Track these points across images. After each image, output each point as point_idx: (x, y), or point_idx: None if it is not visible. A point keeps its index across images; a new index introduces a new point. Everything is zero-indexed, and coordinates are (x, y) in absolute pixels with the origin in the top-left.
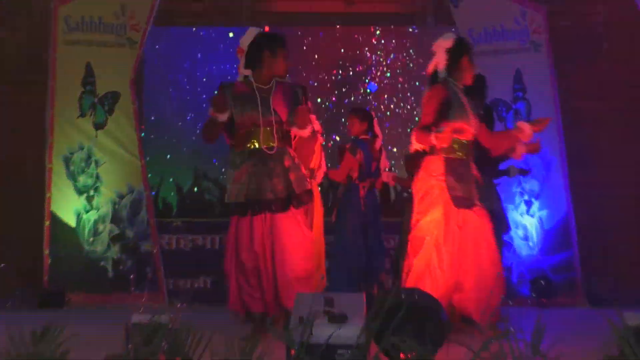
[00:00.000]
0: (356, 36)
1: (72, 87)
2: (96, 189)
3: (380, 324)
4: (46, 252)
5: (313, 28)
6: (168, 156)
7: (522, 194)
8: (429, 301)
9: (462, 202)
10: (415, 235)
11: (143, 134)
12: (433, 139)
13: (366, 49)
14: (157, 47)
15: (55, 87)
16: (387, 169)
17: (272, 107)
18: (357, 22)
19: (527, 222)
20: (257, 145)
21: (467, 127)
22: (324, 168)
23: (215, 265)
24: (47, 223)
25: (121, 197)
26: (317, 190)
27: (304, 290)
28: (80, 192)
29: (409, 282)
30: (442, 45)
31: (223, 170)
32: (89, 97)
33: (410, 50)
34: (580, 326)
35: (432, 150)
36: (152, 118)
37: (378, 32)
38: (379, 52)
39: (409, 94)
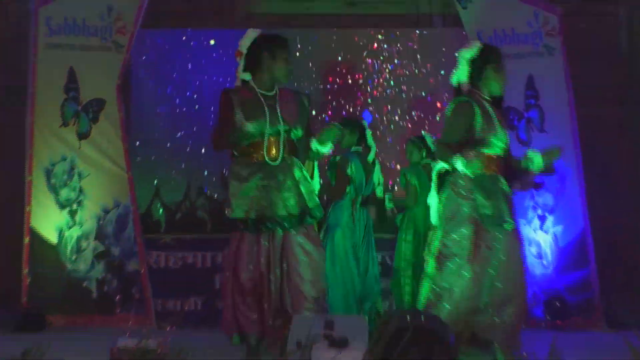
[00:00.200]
0: (356, 39)
1: (54, 94)
2: (79, 203)
3: (385, 348)
4: (25, 271)
5: (308, 31)
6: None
7: (535, 209)
8: (436, 324)
9: (492, 220)
10: (442, 254)
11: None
12: (460, 165)
13: (364, 52)
14: (144, 57)
15: (36, 94)
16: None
17: (280, 116)
18: (358, 25)
19: (541, 238)
20: (265, 157)
21: (495, 142)
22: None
23: (207, 284)
24: (26, 240)
25: (106, 211)
26: None
27: (315, 311)
28: (62, 206)
29: (431, 302)
30: (464, 55)
31: (214, 179)
32: (71, 105)
33: (418, 56)
34: (598, 350)
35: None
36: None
37: (380, 35)
38: (381, 58)
39: (414, 105)
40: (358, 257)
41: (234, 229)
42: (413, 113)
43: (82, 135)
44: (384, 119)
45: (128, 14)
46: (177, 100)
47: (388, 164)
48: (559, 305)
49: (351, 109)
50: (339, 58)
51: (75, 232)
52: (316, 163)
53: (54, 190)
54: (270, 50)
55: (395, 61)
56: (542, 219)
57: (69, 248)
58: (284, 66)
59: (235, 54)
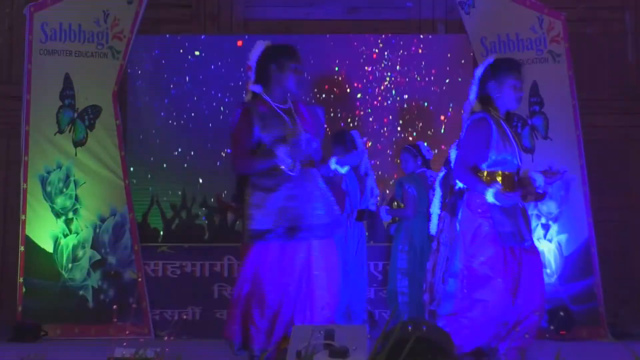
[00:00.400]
0: (355, 44)
1: (49, 101)
2: (75, 212)
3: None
4: (20, 280)
5: (304, 37)
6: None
7: (538, 217)
8: (438, 334)
9: (510, 238)
10: (471, 275)
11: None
12: (491, 197)
13: (362, 59)
14: (140, 64)
15: (31, 101)
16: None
17: (300, 127)
18: (359, 31)
19: (545, 247)
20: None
21: (510, 159)
22: None
23: (205, 294)
24: (21, 248)
25: (102, 220)
26: None
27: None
28: (57, 214)
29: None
30: (477, 71)
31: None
32: (67, 112)
33: (422, 63)
34: None
35: None
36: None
37: (380, 41)
38: (382, 65)
39: (416, 116)
40: (347, 270)
41: (255, 239)
42: (414, 125)
43: (78, 143)
44: (384, 130)
45: (124, 20)
46: (174, 108)
47: (387, 176)
48: (563, 315)
49: (349, 120)
50: (336, 67)
51: (71, 241)
52: None
53: (50, 198)
54: (278, 61)
55: (397, 68)
56: (546, 227)
57: (64, 257)
58: (294, 77)
59: (246, 67)
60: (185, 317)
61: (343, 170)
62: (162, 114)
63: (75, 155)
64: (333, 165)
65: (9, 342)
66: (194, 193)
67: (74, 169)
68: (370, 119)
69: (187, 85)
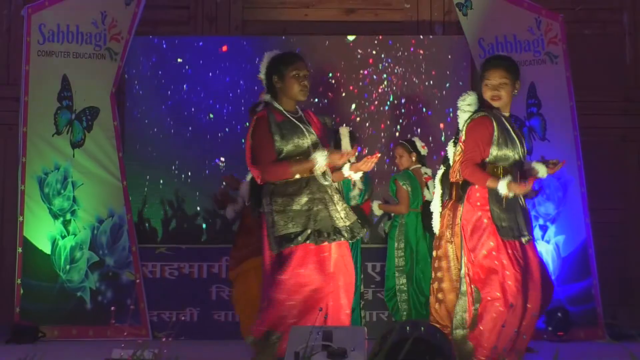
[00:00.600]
0: (351, 45)
1: (47, 102)
2: (73, 213)
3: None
4: (18, 281)
5: (301, 39)
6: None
7: (536, 218)
8: (436, 335)
9: (508, 232)
10: (476, 272)
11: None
12: (504, 188)
13: (360, 61)
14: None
15: (29, 102)
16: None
17: (317, 135)
18: (357, 32)
19: (543, 248)
20: (309, 174)
21: (513, 156)
22: None
23: (203, 295)
24: (19, 250)
25: (100, 221)
26: None
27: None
28: (55, 216)
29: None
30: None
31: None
32: (65, 113)
33: (422, 65)
34: None
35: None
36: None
37: (376, 42)
38: (380, 66)
39: (414, 122)
40: None
41: (286, 245)
42: (412, 130)
43: (76, 144)
44: (382, 135)
45: (122, 21)
46: (174, 110)
47: (385, 183)
48: (561, 316)
49: (344, 124)
50: (332, 71)
51: (68, 242)
52: None
53: (47, 199)
54: (278, 71)
55: (396, 70)
56: (544, 228)
57: (62, 258)
58: (296, 84)
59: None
60: (183, 318)
61: (356, 177)
62: (160, 115)
63: (73, 156)
64: (347, 171)
65: (7, 343)
66: (192, 193)
67: (72, 170)
68: (367, 124)
69: (186, 86)
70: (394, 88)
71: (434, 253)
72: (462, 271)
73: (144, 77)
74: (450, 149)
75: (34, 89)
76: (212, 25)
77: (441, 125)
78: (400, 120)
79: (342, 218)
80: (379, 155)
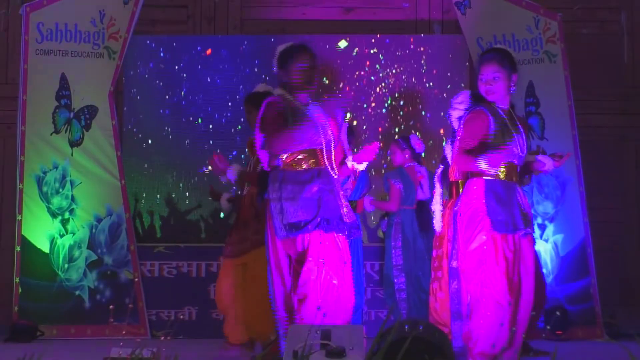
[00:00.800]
0: (350, 43)
1: (45, 101)
2: (71, 212)
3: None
4: (17, 280)
5: (300, 38)
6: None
7: (535, 217)
8: (435, 334)
9: (502, 226)
10: (467, 265)
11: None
12: (484, 165)
13: (358, 60)
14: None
15: (27, 101)
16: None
17: (328, 129)
18: (356, 31)
19: (541, 247)
20: (320, 165)
21: (510, 150)
22: None
23: (201, 294)
24: (17, 248)
25: (99, 220)
26: None
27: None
28: (54, 215)
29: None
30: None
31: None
32: (63, 112)
33: (421, 65)
34: None
35: (473, 173)
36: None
37: (374, 40)
38: (377, 67)
39: (413, 124)
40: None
41: (295, 232)
42: (410, 132)
43: (74, 143)
44: (379, 138)
45: (121, 20)
46: (172, 109)
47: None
48: (560, 315)
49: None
50: (328, 71)
51: (67, 241)
52: None
53: (46, 198)
54: (282, 64)
55: (393, 71)
56: (542, 227)
57: (60, 257)
58: (298, 75)
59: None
60: (181, 317)
61: (361, 167)
62: (159, 113)
63: (72, 155)
64: (350, 162)
65: (5, 342)
66: (191, 192)
67: (70, 169)
68: (364, 127)
69: (184, 85)
70: (391, 86)
71: (434, 253)
72: (455, 263)
73: (141, 76)
74: (448, 149)
75: (33, 87)
76: (211, 24)
77: (441, 131)
78: (400, 120)
79: (344, 214)
80: (378, 144)
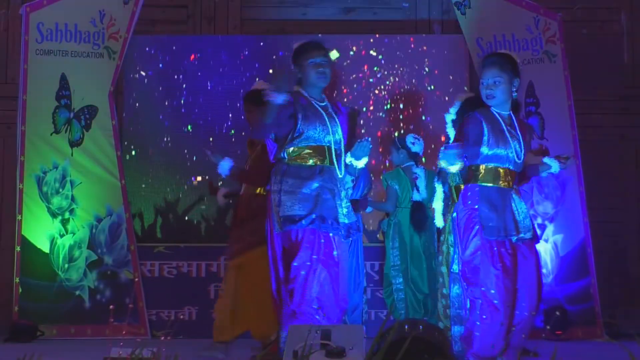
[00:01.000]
0: (349, 44)
1: (45, 101)
2: (71, 212)
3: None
4: (17, 280)
5: (300, 38)
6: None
7: (535, 217)
8: (435, 334)
9: (494, 232)
10: (465, 270)
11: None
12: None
13: (357, 60)
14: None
15: (27, 101)
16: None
17: (339, 126)
18: (356, 31)
19: (541, 247)
20: (325, 163)
21: (506, 156)
22: None
23: (201, 294)
24: (17, 248)
25: (99, 220)
26: None
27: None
28: (54, 215)
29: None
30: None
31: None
32: (63, 112)
33: (420, 65)
34: None
35: (469, 179)
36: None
37: (372, 40)
38: (375, 69)
39: (413, 129)
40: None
41: (288, 225)
42: (411, 128)
43: (74, 143)
44: (378, 144)
45: (121, 20)
46: (172, 108)
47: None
48: (559, 315)
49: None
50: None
51: (67, 241)
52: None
53: (46, 198)
54: (297, 62)
55: (393, 72)
56: (542, 227)
57: (61, 257)
58: (313, 72)
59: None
60: (181, 317)
61: (360, 164)
62: (159, 113)
63: (72, 155)
64: (348, 158)
65: (5, 342)
66: (191, 191)
67: (70, 169)
68: (363, 131)
69: (185, 84)
70: (391, 92)
71: (441, 258)
72: (456, 268)
73: (142, 76)
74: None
75: (33, 87)
76: (211, 24)
77: (442, 138)
78: (399, 127)
79: (342, 214)
80: (369, 138)
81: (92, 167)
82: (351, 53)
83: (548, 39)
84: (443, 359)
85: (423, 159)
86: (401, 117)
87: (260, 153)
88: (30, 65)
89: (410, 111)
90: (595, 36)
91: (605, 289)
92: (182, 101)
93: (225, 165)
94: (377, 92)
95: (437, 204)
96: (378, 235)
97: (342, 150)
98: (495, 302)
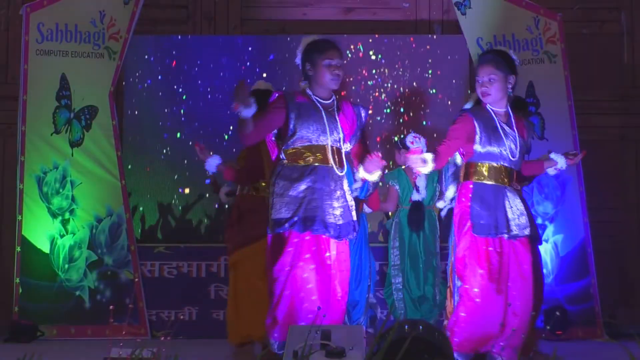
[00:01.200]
0: (348, 44)
1: (46, 101)
2: (72, 212)
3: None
4: (17, 280)
5: (300, 38)
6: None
7: (534, 217)
8: (435, 335)
9: (484, 230)
10: (457, 266)
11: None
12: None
13: (357, 60)
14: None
15: (27, 101)
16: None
17: (339, 125)
18: (356, 31)
19: (541, 248)
20: (320, 162)
21: (500, 153)
22: None
23: (202, 294)
24: (17, 249)
25: (99, 220)
26: None
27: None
28: (54, 215)
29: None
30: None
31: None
32: (64, 112)
33: (420, 65)
34: None
35: (466, 177)
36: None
37: (371, 40)
38: (373, 71)
39: (411, 133)
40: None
41: (276, 228)
42: (409, 129)
43: (75, 143)
44: (377, 148)
45: (121, 20)
46: (172, 108)
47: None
48: (559, 315)
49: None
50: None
51: (67, 241)
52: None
53: (46, 198)
54: (310, 59)
55: (394, 73)
56: (542, 228)
57: (61, 257)
58: (328, 73)
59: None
60: (181, 317)
61: (373, 178)
62: (159, 113)
63: (72, 155)
64: (361, 173)
65: (5, 342)
66: (191, 191)
67: (71, 169)
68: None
69: (185, 84)
70: (391, 96)
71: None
72: (450, 262)
73: (142, 76)
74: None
75: (33, 88)
76: (211, 24)
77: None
78: (399, 128)
79: (333, 215)
80: (379, 154)
81: (92, 168)
82: (349, 54)
83: (548, 39)
84: (443, 359)
85: None
86: (402, 121)
87: (247, 152)
88: (30, 66)
89: (411, 114)
90: (595, 36)
91: (605, 289)
92: (183, 100)
93: (212, 162)
94: (376, 89)
95: (440, 202)
96: (379, 237)
97: (342, 148)
98: (477, 300)
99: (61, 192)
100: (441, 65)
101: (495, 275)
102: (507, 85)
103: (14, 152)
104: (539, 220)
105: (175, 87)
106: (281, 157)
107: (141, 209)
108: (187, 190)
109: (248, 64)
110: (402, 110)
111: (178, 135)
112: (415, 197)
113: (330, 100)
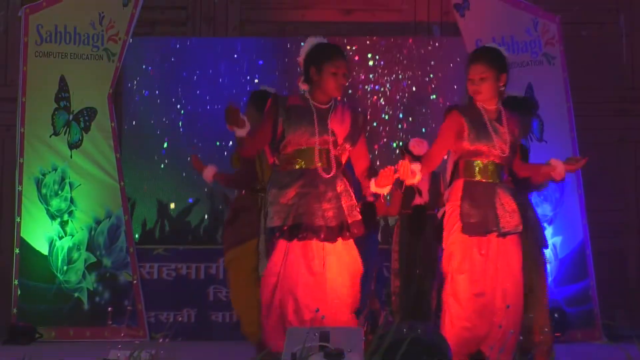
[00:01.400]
0: (347, 46)
1: (45, 103)
2: (70, 214)
3: None
4: (15, 282)
5: (299, 39)
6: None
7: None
8: (433, 336)
9: (472, 228)
10: (445, 264)
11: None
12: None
13: (356, 62)
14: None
15: (26, 103)
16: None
17: (329, 127)
18: (355, 33)
19: None
20: (309, 165)
21: (489, 151)
22: None
23: (200, 296)
24: (16, 250)
25: (98, 222)
26: None
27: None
28: (53, 217)
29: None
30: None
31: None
32: (63, 114)
33: (420, 66)
34: None
35: (457, 175)
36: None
37: (368, 42)
38: (370, 76)
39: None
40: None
41: (270, 237)
42: (409, 134)
43: (73, 145)
44: (381, 130)
45: (120, 22)
46: (172, 112)
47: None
48: (558, 317)
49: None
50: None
51: (66, 243)
52: None
53: (45, 200)
54: (317, 64)
55: (393, 76)
56: None
57: (59, 259)
58: (332, 81)
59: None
60: (180, 319)
61: (384, 191)
62: (159, 115)
63: (71, 157)
64: (373, 188)
65: (4, 344)
66: (191, 193)
67: (69, 171)
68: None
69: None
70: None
71: None
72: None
73: (141, 78)
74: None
75: (32, 90)
76: (210, 26)
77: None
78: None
79: (323, 217)
80: (392, 168)
81: (91, 169)
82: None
83: (547, 41)
84: None
85: None
86: (401, 126)
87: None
88: (29, 67)
89: (411, 119)
90: (594, 38)
91: (604, 291)
92: (183, 101)
93: (208, 173)
94: (376, 88)
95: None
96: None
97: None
98: (457, 299)
99: (60, 194)
100: (439, 66)
101: (479, 275)
102: (498, 83)
103: (12, 153)
104: None
105: (175, 87)
106: (275, 163)
107: (140, 210)
108: (186, 192)
109: (247, 66)
110: (401, 115)
111: (178, 134)
112: (418, 200)
113: (328, 105)
